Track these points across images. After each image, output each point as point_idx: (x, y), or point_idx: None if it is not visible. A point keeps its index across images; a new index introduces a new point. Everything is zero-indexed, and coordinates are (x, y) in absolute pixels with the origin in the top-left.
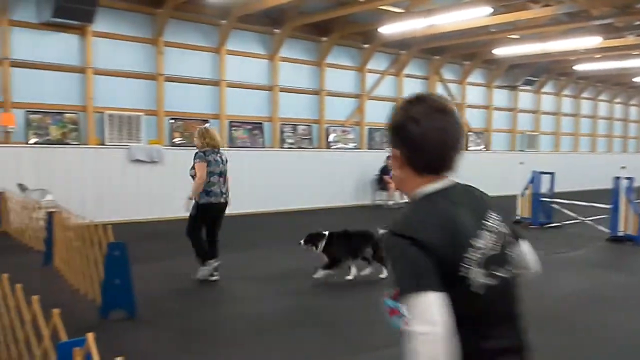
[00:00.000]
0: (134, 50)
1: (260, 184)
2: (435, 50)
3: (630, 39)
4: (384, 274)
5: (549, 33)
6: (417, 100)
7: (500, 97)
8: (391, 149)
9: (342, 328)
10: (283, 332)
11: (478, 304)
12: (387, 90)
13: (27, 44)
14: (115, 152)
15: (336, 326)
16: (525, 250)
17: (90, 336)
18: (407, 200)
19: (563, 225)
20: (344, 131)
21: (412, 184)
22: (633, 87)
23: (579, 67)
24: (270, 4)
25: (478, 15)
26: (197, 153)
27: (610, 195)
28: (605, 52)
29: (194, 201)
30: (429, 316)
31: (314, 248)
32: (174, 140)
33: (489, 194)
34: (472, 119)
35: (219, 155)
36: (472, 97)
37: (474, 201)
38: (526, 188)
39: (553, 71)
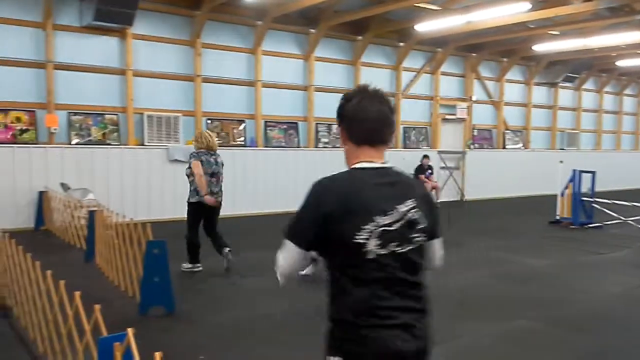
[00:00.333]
0: (172, 52)
1: (294, 183)
2: (473, 47)
3: None
4: None
5: (590, 28)
6: (357, 88)
7: (539, 94)
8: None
9: None
10: (321, 330)
11: (373, 269)
12: (423, 88)
13: (70, 47)
14: (154, 152)
15: None
16: (436, 246)
17: (130, 331)
18: (439, 200)
19: (604, 226)
20: None
21: (352, 157)
22: None
23: (621, 63)
24: (306, 3)
25: (517, 11)
26: (191, 153)
27: None
28: None
29: (205, 197)
30: (284, 257)
31: None
32: None
33: (528, 193)
34: (510, 117)
35: (212, 157)
36: (510, 95)
37: (397, 188)
38: (566, 187)
39: (594, 67)
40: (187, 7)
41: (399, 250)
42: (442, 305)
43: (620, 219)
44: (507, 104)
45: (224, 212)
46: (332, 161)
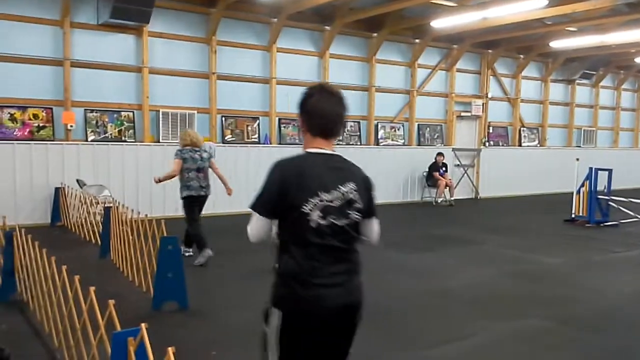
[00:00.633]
0: (188, 49)
1: None
2: (489, 43)
3: None
4: None
5: (608, 24)
6: (318, 85)
7: (556, 91)
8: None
9: (397, 323)
10: None
11: (314, 234)
12: (438, 85)
13: (87, 44)
14: (169, 149)
15: (391, 322)
16: (374, 224)
17: (144, 326)
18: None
19: (620, 224)
20: (392, 128)
21: (308, 144)
22: None
23: None
24: (321, 1)
25: (533, 8)
26: (176, 151)
27: None
28: None
29: (158, 181)
30: (251, 226)
31: None
32: (225, 138)
33: (544, 191)
34: (526, 114)
35: (197, 153)
36: (526, 92)
37: (341, 172)
38: (582, 185)
39: (612, 64)
40: (202, 5)
41: (337, 222)
42: (454, 303)
43: (637, 218)
44: (524, 101)
45: (239, 209)
46: (346, 157)
